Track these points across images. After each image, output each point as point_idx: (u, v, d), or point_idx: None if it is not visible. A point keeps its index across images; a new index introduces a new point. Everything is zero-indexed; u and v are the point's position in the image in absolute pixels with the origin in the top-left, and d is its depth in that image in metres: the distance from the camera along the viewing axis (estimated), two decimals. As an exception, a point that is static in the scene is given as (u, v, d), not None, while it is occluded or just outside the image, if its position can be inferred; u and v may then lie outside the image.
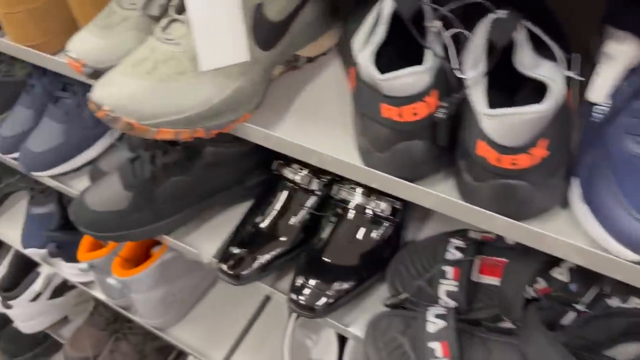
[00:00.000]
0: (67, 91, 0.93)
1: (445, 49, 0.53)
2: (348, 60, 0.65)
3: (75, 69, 0.66)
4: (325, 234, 0.73)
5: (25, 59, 0.80)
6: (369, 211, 0.72)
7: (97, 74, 0.65)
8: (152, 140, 0.87)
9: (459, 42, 0.53)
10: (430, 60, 0.50)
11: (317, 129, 0.61)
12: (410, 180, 0.54)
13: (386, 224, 0.72)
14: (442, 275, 0.66)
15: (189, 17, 0.54)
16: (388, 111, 0.49)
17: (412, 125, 0.49)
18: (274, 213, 0.77)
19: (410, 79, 0.48)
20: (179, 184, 0.78)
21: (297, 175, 0.76)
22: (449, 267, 0.66)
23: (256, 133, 0.61)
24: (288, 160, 0.78)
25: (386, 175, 0.54)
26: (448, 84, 0.51)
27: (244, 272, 0.73)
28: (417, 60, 0.50)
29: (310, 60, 0.69)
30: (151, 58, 0.57)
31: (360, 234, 0.72)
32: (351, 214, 0.73)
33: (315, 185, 0.76)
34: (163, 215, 0.79)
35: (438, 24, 0.53)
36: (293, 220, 0.75)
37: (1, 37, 0.82)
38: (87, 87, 0.60)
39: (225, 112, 0.58)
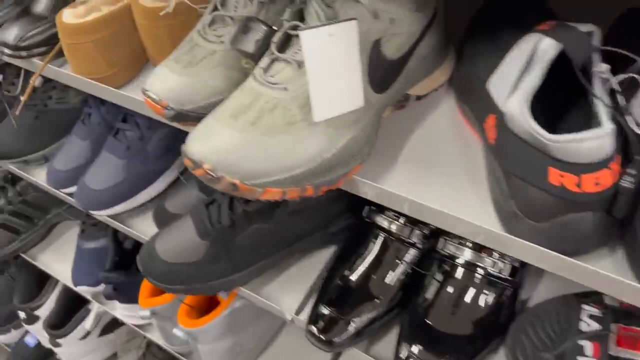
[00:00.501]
0: (127, 122, 0.85)
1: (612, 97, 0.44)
2: (469, 99, 0.56)
3: (155, 111, 0.59)
4: (429, 294, 0.64)
5: (90, 92, 0.72)
6: (482, 270, 0.62)
7: (180, 116, 0.58)
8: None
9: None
10: (607, 118, 0.41)
11: (436, 182, 0.53)
12: (568, 254, 0.45)
13: (503, 285, 0.62)
14: (579, 351, 0.56)
15: (305, 61, 0.46)
16: (559, 178, 0.40)
17: (591, 197, 0.40)
18: (365, 266, 0.68)
19: (595, 142, 0.39)
20: (260, 232, 0.69)
21: (393, 224, 0.68)
22: (586, 341, 0.57)
23: (368, 188, 0.53)
24: (381, 206, 0.69)
25: (538, 247, 0.45)
26: (626, 144, 0.42)
27: (338, 339, 0.64)
28: (566, 105, 0.41)
29: (419, 97, 0.61)
30: (255, 106, 0.49)
31: (471, 296, 0.63)
32: (460, 273, 0.63)
33: (415, 237, 0.67)
34: (241, 266, 0.71)
35: (605, 67, 0.44)
36: (390, 277, 0.67)
37: (59, 66, 0.75)
38: (150, 119, 0.53)
39: (336, 166, 0.50)
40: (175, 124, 0.61)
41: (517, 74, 0.46)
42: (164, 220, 0.81)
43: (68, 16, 0.68)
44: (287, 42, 0.52)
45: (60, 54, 0.74)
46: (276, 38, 0.52)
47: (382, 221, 0.68)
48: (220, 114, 0.49)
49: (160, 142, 0.85)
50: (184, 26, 0.66)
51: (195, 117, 0.58)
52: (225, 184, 0.47)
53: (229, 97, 0.52)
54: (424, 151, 0.56)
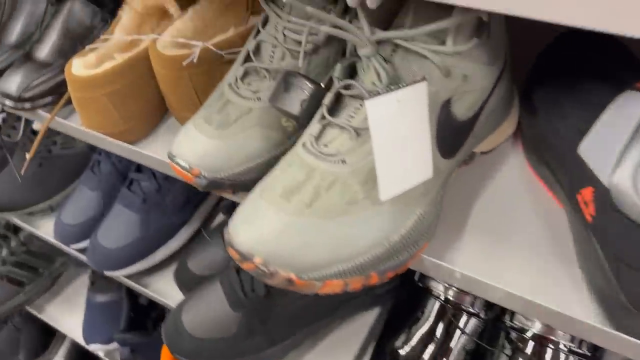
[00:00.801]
0: (142, 172, 0.78)
1: None
2: (548, 160, 0.49)
3: (185, 179, 0.51)
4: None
5: (103, 148, 0.65)
6: (558, 344, 0.55)
7: (213, 184, 0.50)
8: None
9: None
10: None
11: (515, 259, 0.46)
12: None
13: (582, 361, 0.55)
14: None
15: (371, 133, 0.39)
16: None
17: None
18: (420, 337, 0.61)
19: None
20: (300, 300, 0.62)
21: (450, 290, 0.60)
22: None
23: (438, 269, 0.46)
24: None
25: (655, 347, 0.38)
26: None
27: None
28: None
29: (484, 152, 0.54)
30: (309, 184, 0.41)
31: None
32: (530, 348, 0.56)
33: (478, 305, 0.59)
34: (277, 339, 0.63)
35: None
36: (450, 351, 0.59)
37: (66, 116, 0.68)
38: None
39: (405, 248, 0.43)
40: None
41: (623, 142, 0.39)
42: (187, 282, 0.74)
43: (78, 67, 0.60)
44: (338, 103, 0.45)
45: (67, 102, 0.67)
46: (327, 99, 0.45)
47: (438, 287, 0.61)
48: (269, 193, 0.42)
49: (180, 193, 0.78)
50: (210, 74, 0.59)
51: (231, 184, 0.51)
52: (279, 279, 0.40)
53: (276, 169, 0.44)
54: (496, 217, 0.49)
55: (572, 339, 0.55)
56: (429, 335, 0.60)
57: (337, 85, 0.45)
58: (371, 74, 0.44)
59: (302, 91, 0.47)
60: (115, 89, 0.60)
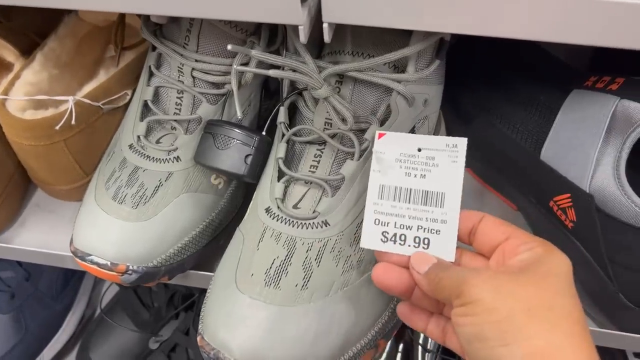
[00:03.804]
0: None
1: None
2: (499, 168, 0.47)
3: (107, 279, 0.40)
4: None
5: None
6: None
7: (147, 276, 0.40)
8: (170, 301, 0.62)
9: None
10: None
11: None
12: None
13: None
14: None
15: (372, 168, 0.33)
16: None
17: None
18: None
19: None
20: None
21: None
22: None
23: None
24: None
25: None
26: None
27: None
28: None
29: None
30: (295, 259, 0.34)
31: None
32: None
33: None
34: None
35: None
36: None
37: None
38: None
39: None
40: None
41: (594, 144, 0.38)
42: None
43: None
44: (290, 152, 0.39)
45: None
46: (281, 151, 0.38)
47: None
48: (249, 283, 0.34)
49: (54, 274, 0.63)
50: (86, 134, 0.48)
51: (168, 269, 0.41)
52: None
53: (241, 249, 0.36)
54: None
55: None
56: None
57: (285, 132, 0.38)
58: (323, 114, 0.38)
59: (244, 145, 0.39)
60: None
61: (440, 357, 0.57)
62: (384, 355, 0.58)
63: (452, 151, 0.32)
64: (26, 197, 0.52)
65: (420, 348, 0.57)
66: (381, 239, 0.31)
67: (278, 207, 0.36)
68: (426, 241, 0.31)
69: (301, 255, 0.34)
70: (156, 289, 0.61)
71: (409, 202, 0.32)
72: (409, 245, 0.31)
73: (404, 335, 0.58)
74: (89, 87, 0.48)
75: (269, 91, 0.46)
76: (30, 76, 0.48)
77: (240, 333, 0.32)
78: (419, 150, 0.32)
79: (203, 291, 0.58)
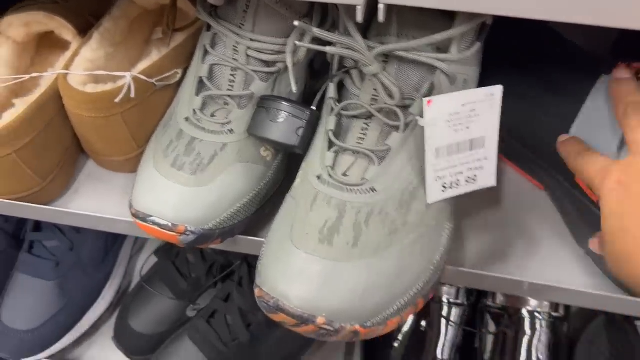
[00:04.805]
0: (43, 230, 0.65)
1: None
2: (532, 150, 0.50)
3: (166, 239, 0.43)
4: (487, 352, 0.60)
5: (14, 215, 0.53)
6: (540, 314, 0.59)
7: (202, 238, 0.44)
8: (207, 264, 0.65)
9: None
10: None
11: (517, 250, 0.47)
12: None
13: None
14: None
15: (425, 130, 0.36)
16: None
17: None
18: (407, 337, 0.61)
19: None
20: (288, 335, 0.58)
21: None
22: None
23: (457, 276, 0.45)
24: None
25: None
26: None
27: None
28: None
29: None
30: (346, 221, 0.37)
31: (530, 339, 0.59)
32: (512, 321, 0.59)
33: (461, 295, 0.61)
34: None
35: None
36: (440, 347, 0.60)
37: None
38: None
39: (443, 265, 0.42)
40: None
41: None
42: (133, 345, 0.64)
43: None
44: (338, 126, 0.42)
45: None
46: (331, 124, 0.41)
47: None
48: (303, 240, 0.37)
49: (96, 244, 0.67)
50: (141, 109, 0.51)
51: (221, 232, 0.45)
52: (344, 334, 0.36)
53: (294, 209, 0.39)
54: (489, 213, 0.50)
55: (551, 306, 0.59)
56: (416, 333, 0.61)
57: (334, 107, 0.42)
58: (370, 90, 0.41)
59: (296, 119, 0.42)
60: (26, 142, 0.48)
61: (462, 329, 0.60)
62: (407, 326, 0.61)
63: (491, 100, 0.35)
64: (78, 167, 0.56)
65: (443, 320, 0.60)
66: (441, 190, 0.35)
67: (329, 175, 0.39)
68: (474, 177, 0.37)
69: (351, 218, 0.38)
70: (194, 261, 0.64)
71: (459, 153, 0.36)
72: (462, 186, 0.37)
73: (428, 307, 0.61)
74: (142, 66, 0.51)
75: (313, 71, 0.49)
76: (88, 53, 0.51)
77: (298, 284, 0.35)
78: (463, 105, 0.36)
79: (243, 260, 0.62)
